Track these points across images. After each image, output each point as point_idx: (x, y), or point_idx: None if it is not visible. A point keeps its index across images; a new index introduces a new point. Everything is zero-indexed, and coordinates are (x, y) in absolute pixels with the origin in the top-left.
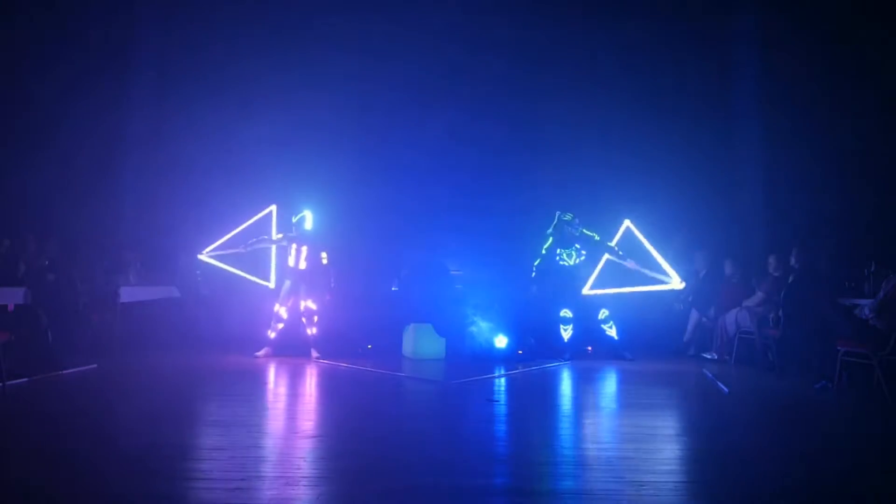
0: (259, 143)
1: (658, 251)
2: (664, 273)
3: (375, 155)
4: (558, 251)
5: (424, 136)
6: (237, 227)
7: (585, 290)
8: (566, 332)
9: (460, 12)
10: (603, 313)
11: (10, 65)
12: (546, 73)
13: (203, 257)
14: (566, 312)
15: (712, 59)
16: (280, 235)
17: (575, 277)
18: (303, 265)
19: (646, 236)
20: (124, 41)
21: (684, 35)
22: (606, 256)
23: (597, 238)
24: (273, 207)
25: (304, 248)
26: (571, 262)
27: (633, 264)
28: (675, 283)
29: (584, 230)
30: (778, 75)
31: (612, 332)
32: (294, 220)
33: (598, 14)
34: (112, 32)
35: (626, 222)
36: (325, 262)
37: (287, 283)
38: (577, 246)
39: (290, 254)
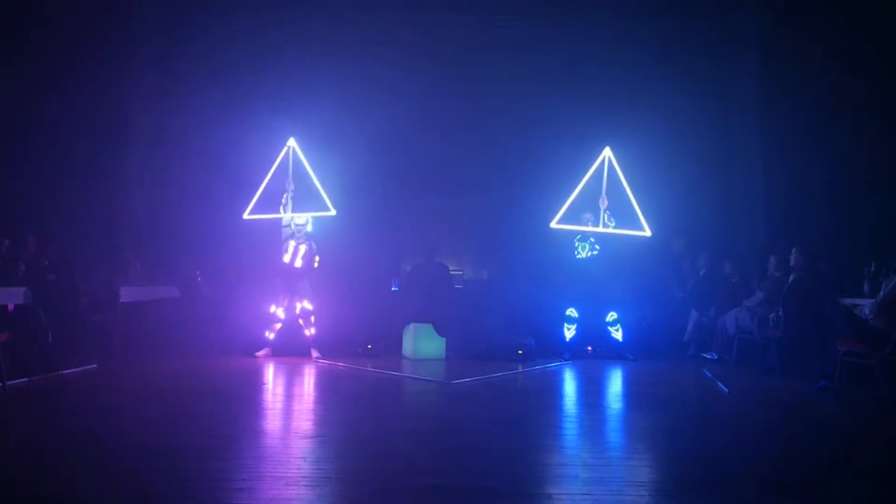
0: (260, 143)
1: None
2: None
3: (377, 154)
4: (576, 242)
5: (426, 135)
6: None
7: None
8: (569, 332)
9: (462, 9)
10: (611, 316)
11: (9, 65)
12: (545, 73)
13: (247, 216)
14: (572, 312)
15: (713, 57)
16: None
17: (584, 272)
18: (298, 263)
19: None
20: (126, 40)
21: (684, 31)
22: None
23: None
24: (291, 142)
25: (303, 247)
26: (584, 255)
27: (604, 201)
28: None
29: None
30: (778, 75)
31: (618, 334)
32: (300, 222)
33: (598, 14)
34: (113, 31)
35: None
36: (316, 265)
37: (280, 282)
38: (592, 240)
39: (286, 251)
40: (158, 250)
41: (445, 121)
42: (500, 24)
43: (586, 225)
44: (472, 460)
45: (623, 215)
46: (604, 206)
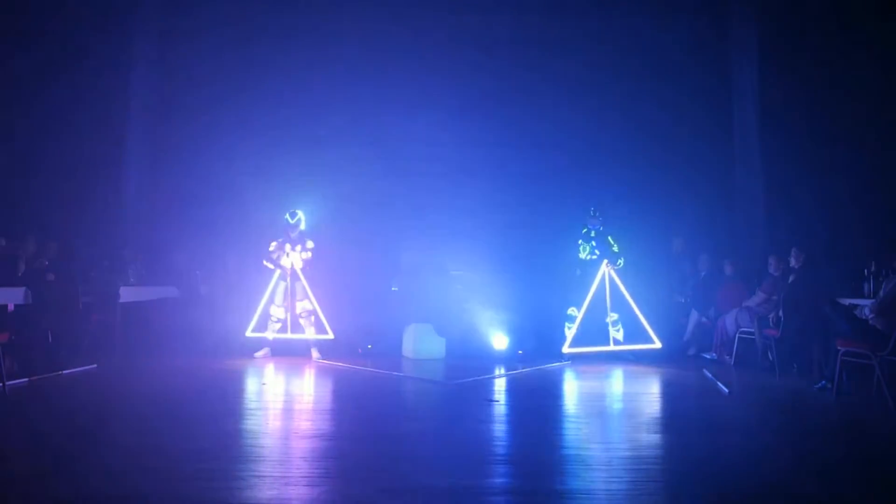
0: (260, 142)
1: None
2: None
3: (378, 154)
4: (579, 242)
5: (426, 136)
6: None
7: (565, 349)
8: (570, 331)
9: (464, 11)
10: (612, 317)
11: (11, 66)
12: (545, 72)
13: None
14: (573, 311)
15: (712, 60)
16: (273, 244)
17: (584, 273)
18: (298, 265)
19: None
20: (125, 41)
21: (682, 37)
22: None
23: (615, 249)
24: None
25: (299, 248)
26: (584, 256)
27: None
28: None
29: (610, 238)
30: (777, 76)
31: (620, 335)
32: (292, 221)
33: (599, 14)
34: (113, 33)
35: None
36: (310, 246)
37: (283, 284)
38: (594, 244)
39: (285, 254)
40: (158, 250)
41: (447, 120)
42: (505, 25)
43: (594, 224)
44: (472, 460)
45: (632, 325)
46: (612, 320)
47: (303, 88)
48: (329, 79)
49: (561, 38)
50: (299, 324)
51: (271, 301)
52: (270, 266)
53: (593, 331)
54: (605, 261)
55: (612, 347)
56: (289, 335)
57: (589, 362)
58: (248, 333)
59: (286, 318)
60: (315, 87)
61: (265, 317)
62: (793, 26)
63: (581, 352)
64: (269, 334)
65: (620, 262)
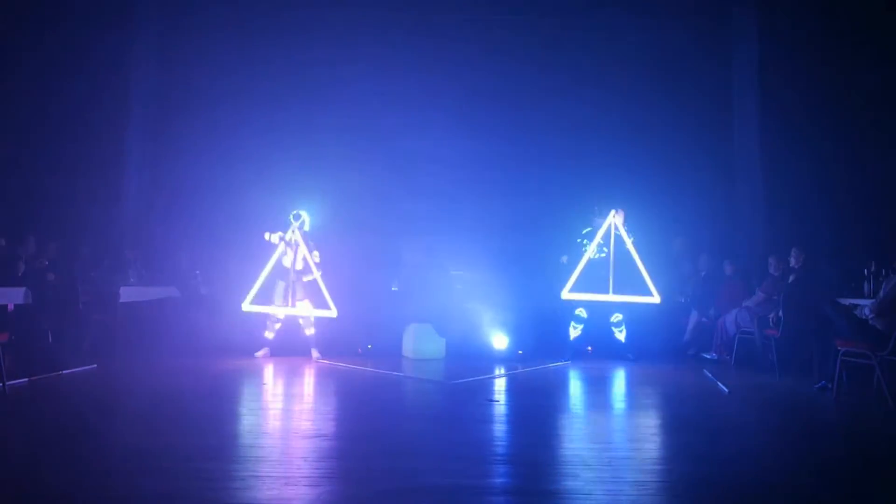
0: (260, 141)
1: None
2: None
3: (378, 154)
4: (584, 240)
5: (427, 135)
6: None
7: (564, 293)
8: (575, 331)
9: (463, 10)
10: (616, 317)
11: (11, 67)
12: (546, 71)
13: (246, 308)
14: (581, 311)
15: (713, 60)
16: (277, 235)
17: (570, 261)
18: (299, 265)
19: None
20: (125, 41)
21: (684, 37)
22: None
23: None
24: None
25: (302, 248)
26: (591, 255)
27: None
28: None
29: (624, 231)
30: (778, 75)
31: (622, 336)
32: (295, 223)
33: (600, 12)
34: (113, 33)
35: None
36: (317, 260)
37: (282, 284)
38: (601, 242)
39: (285, 254)
40: (158, 250)
41: (447, 120)
42: (505, 24)
43: (596, 221)
44: (473, 460)
45: (631, 279)
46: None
47: (303, 88)
48: (329, 78)
49: (561, 38)
50: (299, 323)
51: (272, 293)
52: (274, 240)
53: (593, 282)
54: (613, 211)
55: (610, 297)
56: (289, 309)
57: (589, 362)
58: (246, 307)
59: (285, 318)
60: (315, 86)
61: (265, 290)
62: (794, 26)
63: (580, 298)
64: (269, 333)
65: (631, 239)
